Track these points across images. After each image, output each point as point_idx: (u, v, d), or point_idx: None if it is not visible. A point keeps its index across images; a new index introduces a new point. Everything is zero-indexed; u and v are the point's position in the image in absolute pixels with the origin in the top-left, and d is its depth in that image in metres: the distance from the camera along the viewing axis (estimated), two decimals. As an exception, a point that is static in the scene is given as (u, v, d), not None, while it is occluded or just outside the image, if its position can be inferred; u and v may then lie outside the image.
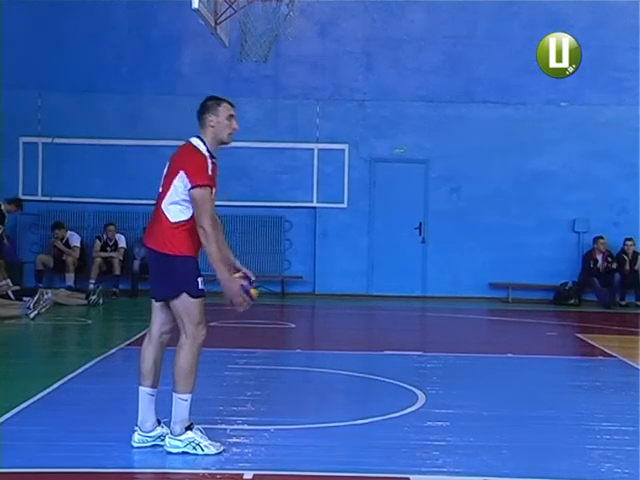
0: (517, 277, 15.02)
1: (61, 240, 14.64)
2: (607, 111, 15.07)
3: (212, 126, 5.12)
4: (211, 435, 5.06)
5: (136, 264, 14.84)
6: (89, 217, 15.34)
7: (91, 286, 13.97)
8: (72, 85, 15.10)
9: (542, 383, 7.68)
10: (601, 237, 14.86)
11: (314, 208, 15.34)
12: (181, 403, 4.99)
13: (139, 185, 15.13)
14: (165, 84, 15.33)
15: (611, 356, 9.13)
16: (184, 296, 5.00)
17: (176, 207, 4.94)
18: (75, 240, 14.78)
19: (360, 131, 15.29)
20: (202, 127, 5.15)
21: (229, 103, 5.21)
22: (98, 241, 14.86)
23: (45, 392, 6.47)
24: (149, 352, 5.18)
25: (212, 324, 10.82)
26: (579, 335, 10.93)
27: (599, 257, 14.88)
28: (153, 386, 5.13)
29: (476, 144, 15.14)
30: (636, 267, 14.75)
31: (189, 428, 4.97)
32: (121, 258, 14.83)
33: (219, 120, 5.12)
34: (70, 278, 14.49)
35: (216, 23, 10.27)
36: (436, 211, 15.26)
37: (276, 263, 15.35)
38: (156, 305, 5.13)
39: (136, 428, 5.11)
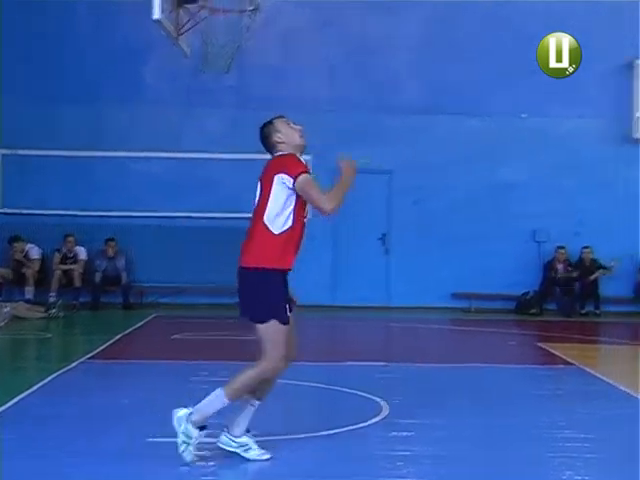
0: (480, 287, 15.13)
1: (20, 252, 14.47)
2: (568, 123, 15.27)
3: (282, 142, 5.18)
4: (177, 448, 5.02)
5: (98, 276, 14.71)
6: (49, 229, 15.13)
7: (51, 299, 13.81)
8: (34, 95, 14.95)
9: (504, 392, 7.73)
10: (561, 247, 15.05)
11: (277, 219, 15.31)
12: (218, 402, 4.98)
13: (101, 196, 15.06)
14: (128, 94, 15.24)
15: (571, 364, 9.23)
16: (273, 322, 5.00)
17: (280, 218, 5.01)
18: (35, 253, 14.62)
19: (324, 142, 15.27)
20: (276, 150, 5.20)
21: (278, 117, 5.30)
22: (57, 253, 14.71)
23: (4, 407, 6.36)
24: None
25: (175, 336, 10.78)
26: (540, 344, 11.03)
27: (559, 267, 15.07)
28: (257, 398, 5.13)
29: (440, 155, 15.25)
30: (595, 275, 14.95)
31: (201, 428, 4.97)
32: (81, 270, 14.69)
33: (284, 132, 5.20)
34: (30, 291, 14.32)
35: (178, 34, 10.24)
36: (400, 222, 15.32)
37: (240, 274, 15.27)
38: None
39: (225, 429, 5.12)
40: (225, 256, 15.19)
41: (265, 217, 5.01)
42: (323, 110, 15.35)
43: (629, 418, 6.61)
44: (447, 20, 15.38)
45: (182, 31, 10.27)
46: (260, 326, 5.05)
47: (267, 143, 5.21)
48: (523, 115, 15.34)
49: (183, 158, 15.26)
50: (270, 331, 5.01)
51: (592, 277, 14.90)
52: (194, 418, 4.96)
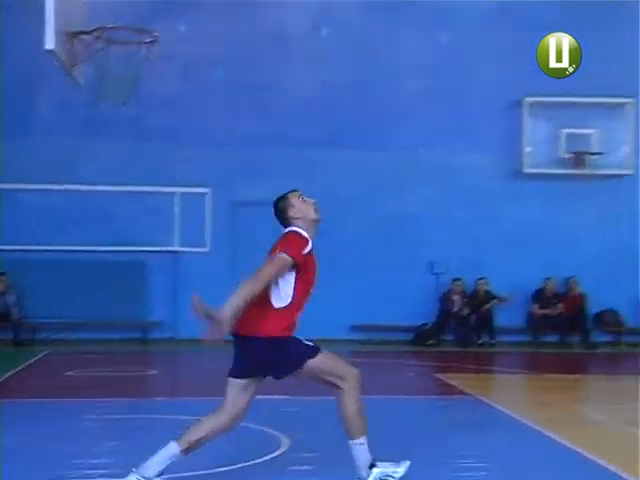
0: (379, 319, 15.27)
1: None
2: (464, 157, 15.65)
3: (298, 217, 5.26)
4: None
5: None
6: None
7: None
8: None
9: (403, 423, 7.78)
10: (458, 279, 15.39)
11: (175, 252, 15.15)
12: (359, 448, 5.21)
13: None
14: (22, 125, 14.85)
15: (468, 394, 9.38)
16: (309, 362, 5.08)
17: (279, 294, 5.05)
18: None
19: (223, 175, 15.28)
20: (291, 224, 5.26)
21: (291, 191, 5.38)
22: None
23: None
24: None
25: (68, 373, 10.46)
26: (438, 375, 11.18)
27: (456, 298, 15.38)
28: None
29: (340, 188, 15.38)
30: (488, 305, 15.33)
31: (373, 466, 5.12)
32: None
33: (298, 207, 5.27)
34: None
35: (73, 64, 10.04)
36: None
37: (136, 308, 15.01)
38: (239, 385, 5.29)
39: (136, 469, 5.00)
40: (120, 289, 15.04)
41: (271, 299, 5.06)
42: (223, 143, 15.33)
43: (524, 446, 6.76)
44: (345, 55, 15.61)
45: (77, 62, 10.06)
46: (304, 372, 5.14)
47: (282, 217, 5.30)
48: (421, 149, 15.66)
49: (78, 190, 14.93)
50: (316, 367, 5.12)
51: (486, 307, 15.26)
52: (365, 475, 5.18)
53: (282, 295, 5.04)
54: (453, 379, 10.56)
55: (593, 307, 15.59)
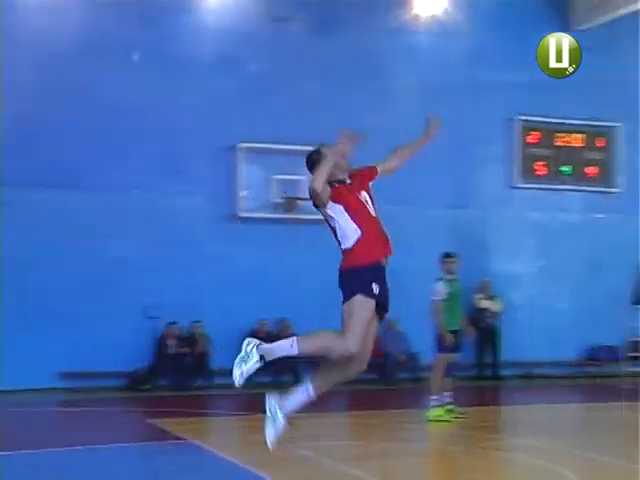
0: (91, 365, 14.72)
1: None
2: (179, 200, 15.61)
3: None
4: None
5: None
6: None
7: None
8: None
9: (114, 472, 7.54)
10: (173, 322, 15.28)
11: None
12: (285, 346, 5.77)
13: None
14: None
15: (182, 439, 9.31)
16: (357, 296, 5.59)
17: (347, 238, 5.98)
18: None
19: None
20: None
21: (322, 144, 6.18)
22: None
23: None
24: None
25: None
26: (152, 420, 10.98)
27: (170, 342, 15.26)
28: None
29: (44, 231, 14.69)
30: (204, 349, 15.37)
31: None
32: None
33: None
34: None
35: None
36: (2, 298, 14.43)
37: None
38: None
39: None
40: None
41: (341, 245, 5.94)
42: None
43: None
44: (53, 90, 14.97)
45: None
46: (345, 305, 5.63)
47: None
48: (135, 191, 15.39)
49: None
50: (351, 305, 5.59)
51: (204, 350, 15.28)
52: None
53: (350, 236, 5.84)
54: (167, 424, 10.42)
55: (306, 346, 16.12)
